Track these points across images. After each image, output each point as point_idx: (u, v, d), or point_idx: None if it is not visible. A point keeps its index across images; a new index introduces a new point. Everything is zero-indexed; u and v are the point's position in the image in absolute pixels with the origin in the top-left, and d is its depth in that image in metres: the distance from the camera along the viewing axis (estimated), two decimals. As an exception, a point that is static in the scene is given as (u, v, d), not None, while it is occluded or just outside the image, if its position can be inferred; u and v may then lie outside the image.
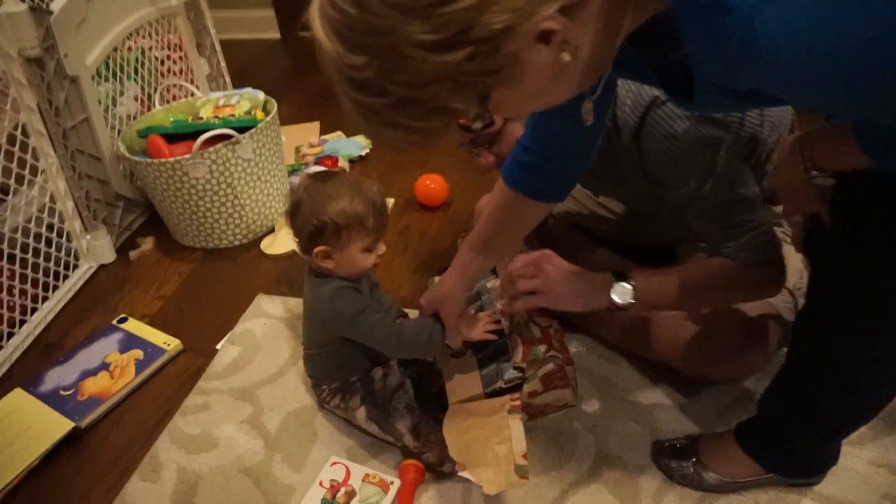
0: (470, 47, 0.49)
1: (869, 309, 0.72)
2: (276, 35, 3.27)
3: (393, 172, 1.99)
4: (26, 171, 1.41)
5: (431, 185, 1.78)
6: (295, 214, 1.05)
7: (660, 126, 0.92)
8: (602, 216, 1.45)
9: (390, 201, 1.83)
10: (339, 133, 2.23)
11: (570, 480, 1.04)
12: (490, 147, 1.12)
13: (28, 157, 1.40)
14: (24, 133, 1.40)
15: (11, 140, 1.36)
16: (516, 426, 0.95)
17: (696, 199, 0.95)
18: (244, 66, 2.93)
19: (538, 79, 0.55)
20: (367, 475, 1.06)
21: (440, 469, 1.04)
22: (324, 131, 2.25)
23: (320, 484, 1.06)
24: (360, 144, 2.12)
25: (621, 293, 0.97)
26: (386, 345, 1.04)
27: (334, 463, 1.09)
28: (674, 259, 1.28)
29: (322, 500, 1.03)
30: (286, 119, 2.12)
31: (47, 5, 1.42)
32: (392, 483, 1.04)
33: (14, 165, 1.37)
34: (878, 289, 0.70)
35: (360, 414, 1.11)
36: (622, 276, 0.99)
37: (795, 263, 1.21)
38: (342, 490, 1.04)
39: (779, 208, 1.24)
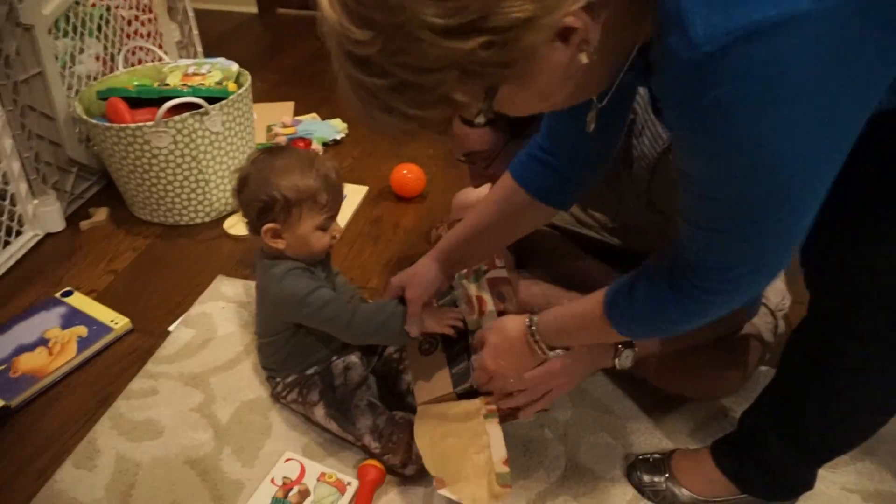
0: (485, 36, 0.45)
1: (867, 320, 0.70)
2: (254, 9, 3.16)
3: (367, 159, 1.92)
4: (-32, 125, 1.29)
5: (408, 174, 1.71)
6: (242, 189, 0.98)
7: None
8: (588, 223, 1.41)
9: (363, 189, 1.75)
10: (314, 115, 2.14)
11: (539, 490, 0.99)
12: (486, 167, 1.06)
13: (-28, 109, 1.29)
14: (-31, 82, 1.28)
15: (-47, 89, 1.24)
16: (494, 431, 0.89)
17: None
18: (218, 37, 2.81)
19: (550, 78, 0.52)
20: (322, 474, 0.99)
21: (402, 472, 0.98)
22: (298, 112, 2.16)
23: (272, 481, 0.98)
24: (335, 128, 2.04)
25: (623, 360, 0.93)
26: (338, 324, 0.96)
27: (288, 459, 1.02)
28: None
29: (273, 498, 0.96)
30: (259, 96, 2.02)
31: (4, -56, 1.31)
32: (349, 484, 0.98)
33: (-45, 117, 1.25)
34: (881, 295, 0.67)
35: (319, 410, 1.04)
36: (627, 343, 0.93)
37: (778, 284, 1.20)
38: (295, 489, 0.97)
39: None
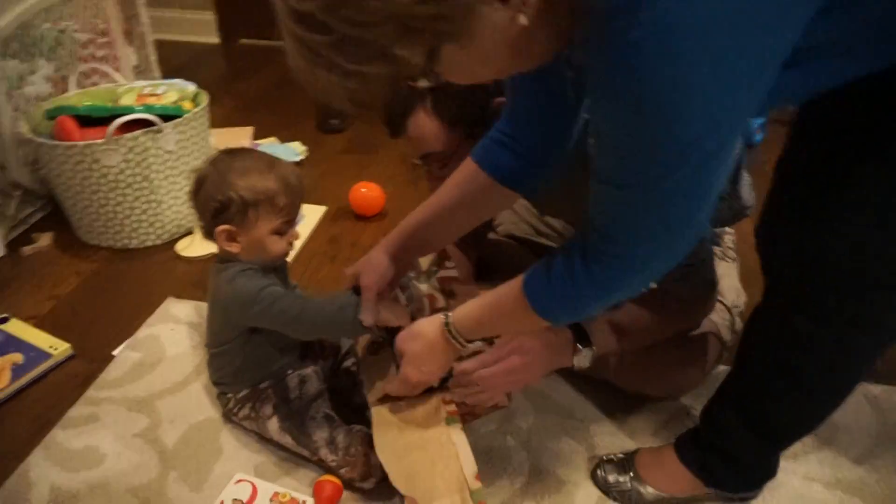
0: None
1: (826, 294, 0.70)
2: (216, 39, 3.15)
3: (327, 179, 1.90)
4: None
5: (367, 192, 1.69)
6: (198, 190, 0.95)
7: None
8: (546, 233, 1.41)
9: (321, 209, 1.73)
10: (273, 139, 2.12)
11: (503, 498, 0.96)
12: (442, 167, 1.05)
13: None
14: None
15: None
16: (460, 441, 0.86)
17: None
18: (179, 66, 2.77)
19: (491, 40, 0.53)
20: (276, 494, 0.94)
21: (361, 485, 0.94)
22: (258, 136, 2.14)
23: (221, 503, 0.93)
24: (294, 150, 2.02)
25: (581, 360, 0.93)
26: (289, 317, 0.92)
27: (239, 480, 0.96)
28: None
29: (221, 522, 0.91)
30: (218, 122, 2.00)
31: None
32: (304, 502, 0.93)
33: None
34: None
35: (273, 424, 0.99)
36: (581, 334, 0.93)
37: (734, 282, 1.21)
38: (246, 511, 0.92)
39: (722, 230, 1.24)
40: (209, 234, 0.97)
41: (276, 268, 1.02)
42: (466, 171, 0.90)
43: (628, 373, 1.05)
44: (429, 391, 0.91)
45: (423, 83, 0.69)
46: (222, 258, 0.99)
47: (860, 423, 1.08)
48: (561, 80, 0.73)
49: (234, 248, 0.96)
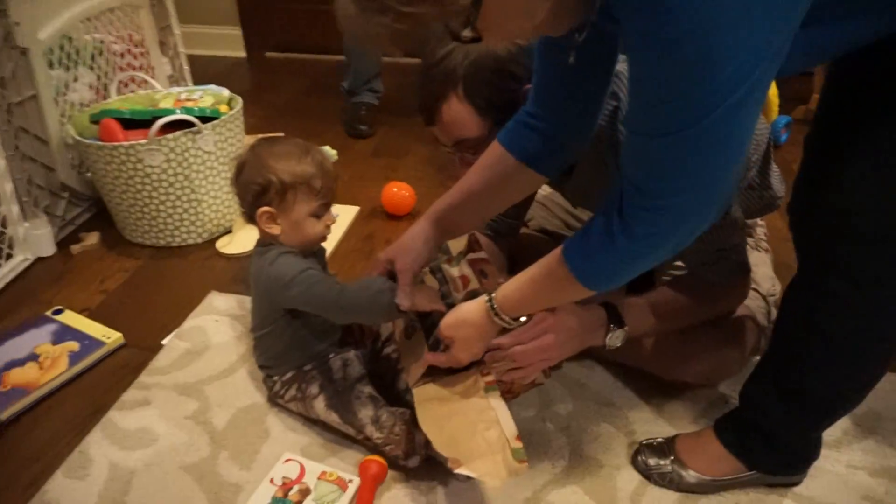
0: None
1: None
2: (242, 53, 3.24)
3: (358, 182, 1.94)
4: (-38, 144, 1.30)
5: (398, 192, 1.74)
6: (239, 174, 1.00)
7: None
8: (573, 226, 1.44)
9: (355, 209, 1.77)
10: (303, 143, 2.18)
11: (544, 481, 0.98)
12: (474, 153, 1.05)
13: (-34, 128, 1.30)
14: (-36, 101, 1.30)
15: (-51, 107, 1.26)
16: (499, 406, 0.88)
17: None
18: (209, 78, 2.85)
19: None
20: (323, 473, 0.97)
21: (405, 463, 0.97)
22: (288, 141, 2.20)
23: (271, 481, 0.96)
24: (328, 154, 2.07)
25: (614, 339, 0.96)
26: (327, 300, 0.95)
27: (288, 460, 0.99)
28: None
29: (273, 497, 0.93)
30: (248, 130, 2.04)
31: (3, -32, 1.35)
32: (351, 481, 0.96)
33: (-51, 135, 1.26)
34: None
35: (319, 403, 1.02)
36: (614, 314, 0.95)
37: (768, 271, 1.22)
38: (295, 488, 0.95)
39: (754, 222, 1.25)
40: (251, 218, 1.01)
41: (315, 253, 1.06)
42: (494, 153, 0.93)
43: (666, 358, 1.07)
44: (466, 368, 0.93)
45: (466, 33, 0.73)
46: (263, 242, 1.03)
47: (901, 412, 1.09)
48: (587, 60, 0.75)
49: (274, 229, 0.99)
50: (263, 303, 1.05)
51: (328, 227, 1.03)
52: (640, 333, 1.01)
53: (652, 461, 0.96)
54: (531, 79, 0.89)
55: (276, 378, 1.07)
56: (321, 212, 1.00)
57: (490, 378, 0.91)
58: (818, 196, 0.73)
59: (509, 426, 0.86)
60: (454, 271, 1.03)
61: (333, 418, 1.01)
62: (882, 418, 1.07)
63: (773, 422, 0.88)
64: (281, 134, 1.99)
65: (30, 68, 1.43)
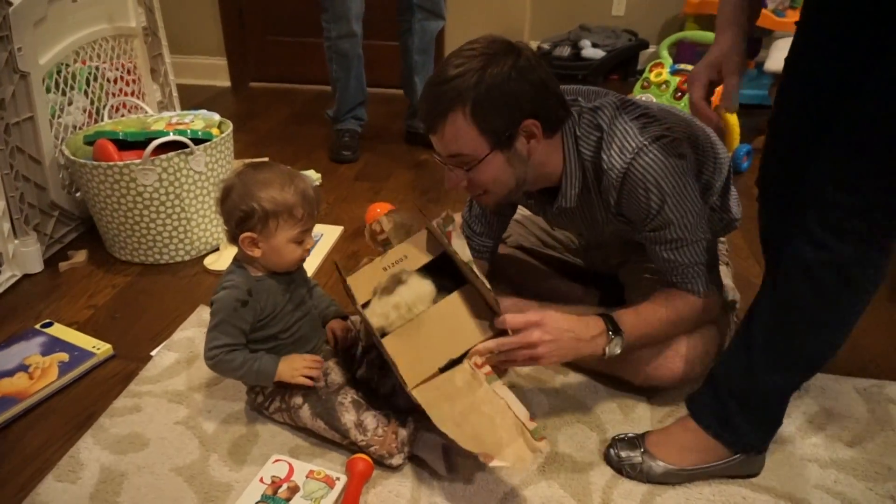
0: None
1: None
2: (227, 83, 3.32)
3: (342, 204, 2.01)
4: (-39, 161, 1.34)
5: (382, 212, 1.80)
6: (225, 199, 1.04)
7: (650, 172, 1.00)
8: (552, 245, 1.52)
9: (339, 229, 1.84)
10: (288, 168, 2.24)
11: (522, 477, 1.03)
12: (467, 170, 1.06)
13: (-35, 146, 1.35)
14: (-35, 120, 1.34)
15: (-50, 125, 1.30)
16: (506, 393, 0.95)
17: (666, 239, 1.05)
18: (196, 106, 2.93)
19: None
20: (311, 471, 1.01)
21: (389, 462, 1.01)
22: (273, 166, 2.26)
23: (260, 480, 1.00)
24: (311, 178, 2.14)
25: (614, 348, 1.03)
26: (207, 342, 1.04)
27: (277, 460, 1.03)
28: (617, 282, 1.35)
29: (262, 495, 0.97)
30: (236, 154, 2.12)
31: (8, -3, 1.41)
32: (338, 479, 1.00)
33: (-51, 152, 1.30)
34: None
35: (305, 411, 1.06)
36: (613, 327, 1.03)
37: (729, 281, 1.31)
38: (284, 486, 0.99)
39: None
40: (234, 240, 1.05)
41: (292, 273, 1.10)
42: None
43: (635, 364, 1.14)
44: (451, 365, 0.99)
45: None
46: (238, 260, 1.07)
47: (851, 412, 1.17)
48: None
49: (256, 252, 1.04)
50: None
51: (307, 250, 1.07)
52: (633, 343, 1.06)
53: (623, 453, 1.02)
54: (537, 115, 0.98)
55: (257, 390, 1.11)
56: (301, 238, 1.04)
57: (487, 369, 0.97)
58: (780, 169, 0.93)
59: (521, 410, 0.93)
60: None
61: (320, 425, 1.05)
62: (831, 416, 1.16)
63: (753, 386, 0.96)
64: (266, 159, 2.07)
65: (29, 91, 1.49)
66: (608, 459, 1.04)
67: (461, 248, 1.02)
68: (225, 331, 1.02)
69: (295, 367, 1.04)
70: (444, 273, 1.08)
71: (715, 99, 0.99)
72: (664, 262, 1.08)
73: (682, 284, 1.08)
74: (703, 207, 1.06)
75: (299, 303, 1.10)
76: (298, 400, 1.07)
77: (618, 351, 1.04)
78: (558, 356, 1.01)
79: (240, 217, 1.02)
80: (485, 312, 1.01)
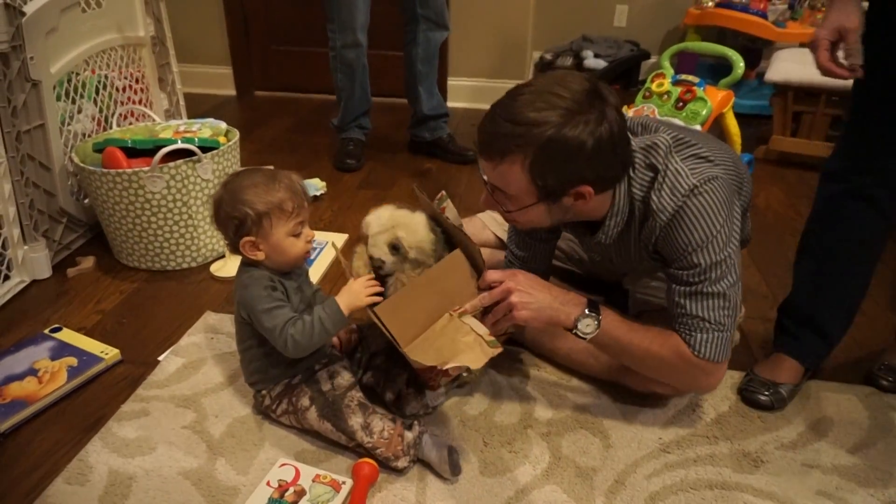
0: None
1: None
2: (232, 92, 3.35)
3: (346, 212, 2.03)
4: (-27, 167, 1.36)
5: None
6: (217, 212, 1.06)
7: (698, 215, 1.00)
8: (576, 259, 1.52)
9: (343, 237, 1.85)
10: (293, 176, 2.26)
11: (526, 482, 1.04)
12: (502, 207, 1.06)
13: (-23, 152, 1.37)
14: (-22, 128, 1.37)
15: (-37, 132, 1.33)
16: (472, 321, 1.03)
17: (687, 282, 1.03)
18: (201, 114, 2.96)
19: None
20: (317, 475, 1.02)
21: (395, 465, 1.02)
22: (278, 174, 2.29)
23: (267, 484, 1.01)
24: (315, 186, 2.16)
25: (586, 325, 1.06)
26: (273, 335, 1.03)
27: (283, 464, 1.04)
28: (621, 289, 1.36)
29: (269, 499, 0.98)
30: (241, 162, 2.14)
31: (21, 6, 1.44)
32: (344, 483, 1.01)
33: (-39, 159, 1.32)
34: None
35: (312, 413, 1.08)
36: (593, 307, 1.06)
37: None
38: (291, 489, 1.00)
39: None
40: (235, 248, 1.07)
41: (295, 272, 1.11)
42: None
43: (638, 375, 1.15)
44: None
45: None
46: (245, 262, 1.09)
47: (853, 419, 1.18)
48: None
49: (259, 255, 1.05)
50: (238, 316, 1.11)
51: (308, 242, 1.09)
52: (606, 343, 1.08)
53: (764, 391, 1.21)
54: (588, 180, 0.97)
55: (264, 392, 1.12)
56: (298, 230, 1.05)
57: (457, 309, 1.05)
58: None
59: (481, 328, 1.02)
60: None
61: (327, 427, 1.06)
62: (834, 423, 1.17)
63: (820, 321, 1.22)
64: (271, 167, 2.08)
65: (40, 99, 1.51)
66: (750, 402, 1.21)
67: (452, 214, 1.09)
68: (275, 314, 1.03)
69: (356, 293, 1.03)
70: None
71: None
72: (676, 305, 1.05)
73: (682, 332, 1.05)
74: (737, 258, 1.04)
75: (308, 304, 1.12)
76: (306, 402, 1.09)
77: (588, 332, 1.05)
78: (530, 311, 1.04)
79: (235, 225, 1.04)
80: (473, 274, 1.09)
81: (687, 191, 1.00)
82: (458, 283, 1.08)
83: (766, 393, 1.20)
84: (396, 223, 1.09)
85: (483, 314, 1.08)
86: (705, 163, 1.03)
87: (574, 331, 1.07)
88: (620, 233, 1.08)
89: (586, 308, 1.06)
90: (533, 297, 1.05)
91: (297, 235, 1.06)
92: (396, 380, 1.15)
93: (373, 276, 1.08)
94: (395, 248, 1.08)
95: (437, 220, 1.13)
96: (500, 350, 0.99)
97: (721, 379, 1.10)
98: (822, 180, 1.21)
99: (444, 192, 1.13)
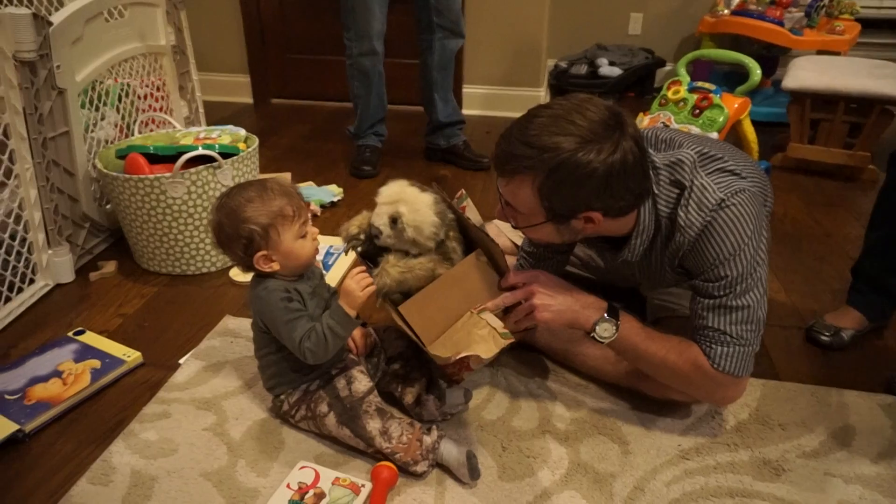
0: None
1: None
2: (249, 100, 3.39)
3: (363, 218, 2.04)
4: (0, 172, 1.39)
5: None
6: (220, 237, 1.06)
7: (725, 229, 1.00)
8: (570, 261, 1.53)
9: (360, 242, 1.86)
10: (310, 182, 2.29)
11: (544, 487, 1.04)
12: (513, 221, 1.08)
13: (5, 158, 1.40)
14: (6, 134, 1.40)
15: (-8, 139, 1.36)
16: (488, 316, 1.06)
17: (710, 294, 1.02)
18: (219, 121, 3.00)
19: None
20: (337, 478, 1.03)
21: (414, 469, 1.02)
22: (295, 181, 2.31)
23: (287, 486, 1.01)
24: (332, 192, 2.18)
25: (604, 329, 1.06)
26: (292, 347, 1.04)
27: (303, 467, 1.05)
28: (639, 296, 1.36)
29: (289, 501, 0.99)
30: (260, 168, 2.17)
31: (48, 15, 1.47)
32: (363, 486, 1.01)
33: (-10, 165, 1.36)
34: None
35: (330, 420, 1.08)
36: (613, 313, 1.07)
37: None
38: (311, 492, 1.00)
39: None
40: (248, 266, 1.07)
41: (307, 275, 1.10)
42: None
43: (656, 383, 1.14)
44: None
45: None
46: (258, 273, 1.08)
47: (876, 428, 1.17)
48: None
49: (274, 266, 1.05)
50: (256, 326, 1.12)
51: (315, 240, 1.09)
52: (623, 348, 1.09)
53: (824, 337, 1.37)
54: (606, 209, 0.97)
55: (283, 398, 1.13)
56: (303, 231, 1.06)
57: (482, 307, 1.07)
58: None
59: (496, 322, 1.04)
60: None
61: (345, 433, 1.07)
62: (856, 432, 1.15)
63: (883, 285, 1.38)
64: (288, 174, 2.11)
65: (65, 107, 1.54)
66: (817, 342, 1.36)
67: (473, 214, 1.11)
68: (293, 326, 1.04)
69: (353, 292, 1.02)
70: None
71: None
72: (698, 316, 1.05)
73: (703, 344, 1.04)
74: (764, 272, 1.03)
75: (325, 307, 1.12)
76: (324, 408, 1.09)
77: (605, 336, 1.06)
78: (551, 313, 1.06)
79: (244, 245, 1.04)
80: (494, 274, 1.11)
81: (714, 205, 1.00)
82: (480, 282, 1.09)
83: (828, 334, 1.36)
84: (402, 198, 1.08)
85: (504, 313, 1.09)
86: (731, 176, 1.03)
87: (592, 334, 1.07)
88: (645, 249, 1.08)
89: (606, 313, 1.06)
90: (555, 299, 1.06)
91: (303, 236, 1.06)
92: (415, 385, 1.16)
93: (363, 269, 1.06)
94: (394, 221, 1.08)
95: (453, 211, 1.13)
96: (511, 341, 1.01)
97: (740, 393, 1.10)
98: (891, 157, 1.33)
99: (463, 191, 1.14)
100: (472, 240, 1.14)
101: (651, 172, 1.02)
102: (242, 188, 1.06)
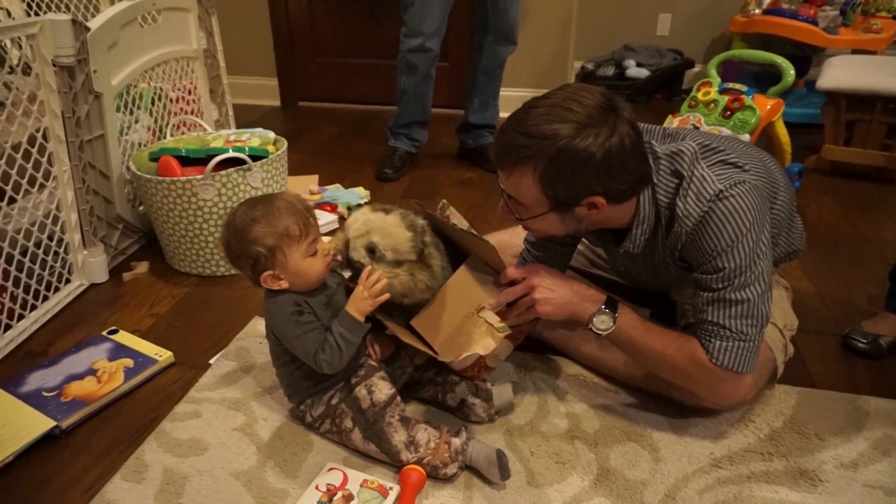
0: None
1: None
2: (277, 103, 3.44)
3: (389, 220, 2.04)
4: (39, 174, 1.43)
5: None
6: (228, 254, 1.05)
7: (723, 219, 0.99)
8: (598, 264, 1.51)
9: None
10: (337, 185, 2.30)
11: (573, 493, 1.03)
12: (517, 214, 1.09)
13: (44, 161, 1.43)
14: (45, 137, 1.43)
15: (32, 141, 1.39)
16: (486, 314, 1.08)
17: (711, 287, 1.02)
18: (248, 124, 3.05)
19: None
20: (365, 480, 1.03)
21: (444, 472, 1.02)
22: (321, 183, 2.33)
23: (316, 487, 1.02)
24: (358, 195, 2.19)
25: (601, 321, 1.07)
26: (307, 361, 1.05)
27: (331, 469, 1.06)
28: (669, 300, 1.34)
29: (318, 502, 0.99)
30: (288, 170, 2.19)
31: (86, 21, 1.51)
32: (391, 488, 1.01)
33: (30, 167, 1.39)
34: None
35: (356, 436, 1.07)
36: (611, 305, 1.07)
37: (786, 305, 1.28)
38: (339, 494, 1.01)
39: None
40: (257, 283, 1.06)
41: (320, 289, 1.08)
42: None
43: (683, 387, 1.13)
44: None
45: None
46: (270, 290, 1.07)
47: (916, 438, 1.13)
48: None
49: (282, 284, 1.04)
50: (271, 339, 1.12)
51: (327, 256, 1.07)
52: (621, 341, 1.09)
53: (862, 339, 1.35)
54: (608, 193, 0.97)
55: (304, 409, 1.13)
56: (313, 249, 1.04)
57: (482, 306, 1.09)
58: None
59: (493, 318, 1.07)
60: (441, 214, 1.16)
61: (372, 448, 1.06)
62: (897, 442, 1.12)
63: None
64: (316, 176, 2.12)
65: (101, 110, 1.58)
66: (853, 348, 1.34)
67: (459, 220, 1.12)
68: (305, 339, 1.03)
69: (361, 298, 1.03)
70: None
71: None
72: (699, 311, 1.04)
73: (702, 338, 1.03)
74: (765, 266, 1.01)
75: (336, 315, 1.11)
76: (349, 424, 1.08)
77: (602, 328, 1.07)
78: (552, 306, 1.06)
79: (250, 265, 1.04)
80: (492, 273, 1.13)
81: (712, 195, 0.99)
82: (479, 285, 1.12)
83: (865, 341, 1.34)
84: (370, 228, 1.09)
85: (506, 307, 1.10)
86: (733, 168, 1.02)
87: (589, 326, 1.08)
88: (647, 241, 1.08)
89: (603, 305, 1.07)
90: (555, 292, 1.06)
91: (313, 254, 1.04)
92: (456, 389, 1.16)
93: (378, 272, 1.07)
94: (371, 251, 1.09)
95: (425, 216, 1.15)
96: (508, 332, 1.05)
97: (746, 391, 1.09)
98: None
99: (444, 201, 1.16)
100: (462, 245, 1.15)
101: (652, 162, 1.02)
102: (250, 206, 1.04)
